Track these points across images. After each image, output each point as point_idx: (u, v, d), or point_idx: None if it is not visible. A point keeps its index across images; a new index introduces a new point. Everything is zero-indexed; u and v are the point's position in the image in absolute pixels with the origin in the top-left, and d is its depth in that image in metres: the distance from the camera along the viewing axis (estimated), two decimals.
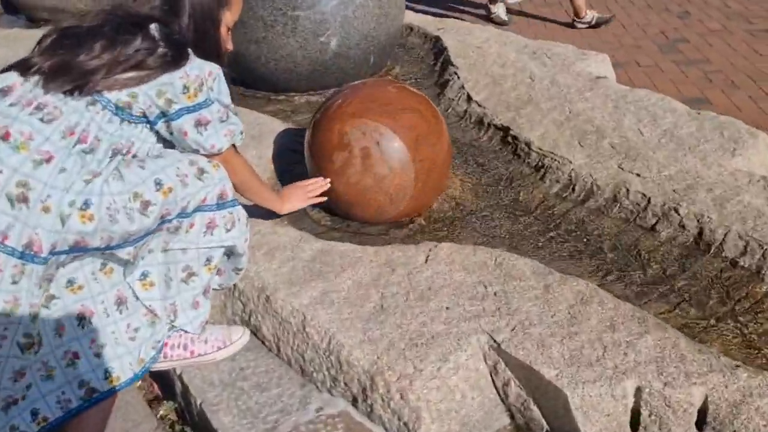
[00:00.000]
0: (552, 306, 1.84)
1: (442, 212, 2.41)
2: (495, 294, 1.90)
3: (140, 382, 2.16)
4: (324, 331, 1.83)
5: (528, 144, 2.65)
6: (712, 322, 1.87)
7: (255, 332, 2.05)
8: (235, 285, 2.07)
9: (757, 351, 1.76)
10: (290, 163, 2.65)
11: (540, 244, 2.23)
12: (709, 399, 1.58)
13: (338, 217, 2.38)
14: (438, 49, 3.67)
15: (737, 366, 1.64)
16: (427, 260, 2.04)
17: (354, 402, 1.78)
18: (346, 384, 1.78)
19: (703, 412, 1.59)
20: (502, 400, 1.76)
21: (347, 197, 2.25)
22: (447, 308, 1.86)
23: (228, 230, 1.84)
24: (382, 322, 1.84)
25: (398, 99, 2.29)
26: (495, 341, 1.74)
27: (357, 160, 2.19)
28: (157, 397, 2.15)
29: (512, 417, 1.76)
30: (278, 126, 2.89)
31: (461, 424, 1.69)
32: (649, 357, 1.66)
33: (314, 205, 2.32)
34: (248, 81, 3.37)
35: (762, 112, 4.14)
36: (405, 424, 1.67)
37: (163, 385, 2.14)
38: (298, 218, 2.38)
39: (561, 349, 1.69)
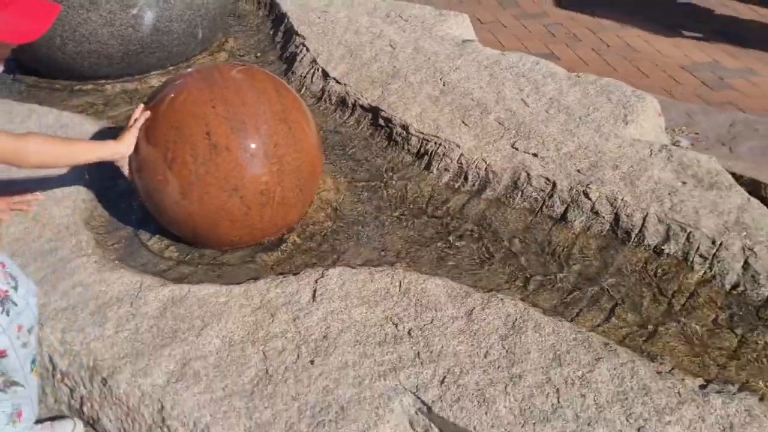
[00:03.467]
0: (481, 341, 1.48)
1: (318, 223, 1.96)
2: (409, 333, 1.50)
3: None
4: (193, 423, 1.33)
5: (405, 127, 2.26)
6: (653, 328, 1.62)
7: (92, 424, 1.50)
8: (53, 365, 1.50)
9: (703, 357, 1.53)
10: (111, 177, 2.04)
11: (442, 252, 1.86)
12: None
13: (186, 244, 1.85)
14: (276, 15, 3.15)
15: (704, 387, 1.38)
16: (314, 296, 1.60)
17: None
18: None
19: None
20: None
21: (193, 216, 1.72)
22: (353, 363, 1.43)
23: None
24: (271, 396, 1.38)
25: (246, 86, 1.78)
26: (423, 402, 1.35)
27: (200, 168, 1.66)
28: None
29: None
30: (90, 126, 2.26)
31: None
32: (610, 395, 1.36)
33: (148, 227, 1.77)
34: (43, 69, 2.66)
35: (607, 65, 4.08)
36: None
37: None
38: (132, 253, 1.82)
39: (507, 402, 1.34)
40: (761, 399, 1.39)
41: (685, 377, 1.41)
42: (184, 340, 1.49)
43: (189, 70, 1.91)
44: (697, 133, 2.52)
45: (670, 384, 1.38)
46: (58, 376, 1.51)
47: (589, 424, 1.30)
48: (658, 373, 1.41)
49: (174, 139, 1.66)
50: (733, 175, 2.26)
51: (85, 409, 1.49)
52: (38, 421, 1.47)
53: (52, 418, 1.51)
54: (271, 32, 3.08)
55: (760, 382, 1.47)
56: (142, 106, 1.74)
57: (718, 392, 1.37)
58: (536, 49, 4.24)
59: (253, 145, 1.68)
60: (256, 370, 1.43)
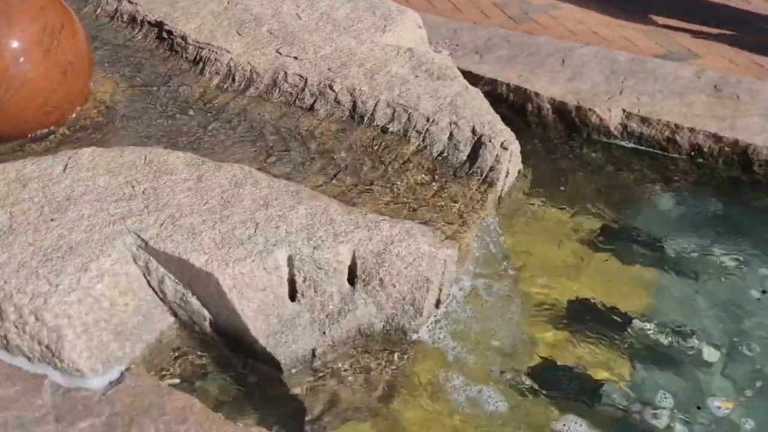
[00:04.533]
0: (205, 195, 1.75)
1: (89, 119, 2.16)
2: (143, 192, 1.75)
3: None
4: None
5: (184, 38, 2.48)
6: (366, 187, 1.94)
7: None
8: None
9: (402, 205, 1.87)
10: None
11: (200, 137, 2.11)
12: (356, 254, 1.63)
13: None
14: None
15: (380, 220, 1.71)
16: (65, 169, 1.81)
17: None
18: None
19: (353, 267, 1.65)
20: (162, 300, 1.65)
21: None
22: (88, 216, 1.67)
23: None
24: (10, 244, 1.60)
25: None
26: (143, 240, 1.60)
27: None
28: None
29: (175, 315, 1.66)
30: None
31: (115, 333, 1.55)
32: (300, 226, 1.66)
33: None
34: None
35: (429, 3, 4.39)
36: (47, 347, 1.48)
37: None
38: None
39: (212, 235, 1.62)
40: (425, 224, 1.73)
41: (369, 214, 1.73)
42: None
43: None
44: (457, 45, 2.87)
45: (352, 217, 1.70)
46: None
47: (274, 245, 1.60)
48: (348, 213, 1.72)
49: None
50: (477, 75, 2.63)
51: None
52: None
53: None
54: None
55: (439, 219, 1.82)
56: None
57: (390, 221, 1.70)
58: None
59: (24, 51, 1.86)
60: (1, 227, 1.64)
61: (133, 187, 1.76)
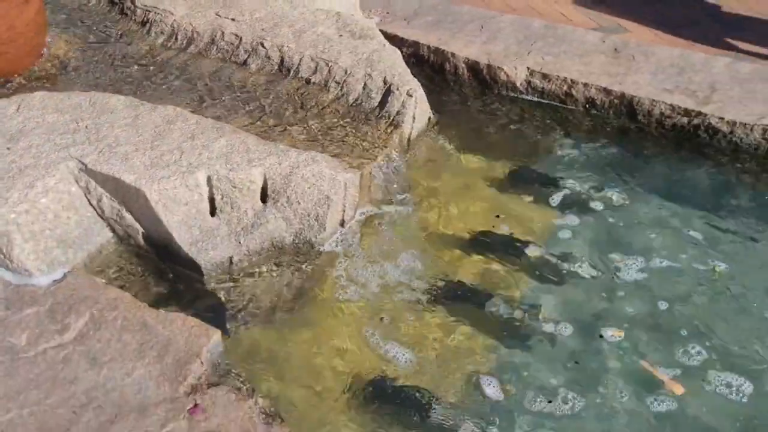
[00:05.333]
0: (140, 129, 2.01)
1: (44, 71, 2.42)
2: (86, 127, 2.01)
3: None
4: None
5: (133, 2, 2.73)
6: (286, 128, 2.22)
7: None
8: None
9: (316, 141, 2.15)
10: None
11: (143, 87, 2.38)
12: (267, 176, 1.91)
13: None
14: None
15: (289, 149, 1.99)
16: (18, 108, 2.07)
17: None
18: None
19: (264, 189, 1.92)
20: (101, 216, 1.92)
21: None
22: (37, 145, 1.93)
23: None
24: None
25: None
26: (83, 163, 1.87)
27: None
28: None
29: (113, 230, 1.94)
30: None
31: (59, 241, 1.82)
32: (220, 153, 1.94)
33: None
34: None
35: None
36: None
37: None
38: None
39: (143, 159, 1.89)
40: (333, 156, 2.01)
41: (281, 145, 2.01)
42: None
43: None
44: (388, 12, 3.14)
45: (266, 147, 1.98)
46: None
47: (196, 167, 1.87)
48: (264, 145, 2.00)
49: None
50: (402, 39, 2.91)
51: None
52: None
53: None
54: None
55: (346, 153, 2.10)
56: None
57: (298, 150, 1.98)
58: None
59: None
60: None
61: (78, 123, 2.03)
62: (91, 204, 1.90)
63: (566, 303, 1.97)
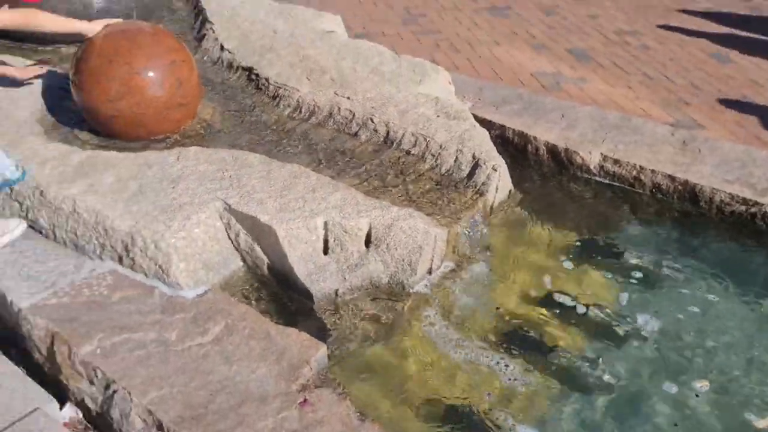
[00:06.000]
0: (272, 181, 2.48)
1: (194, 131, 2.96)
2: (230, 177, 2.50)
3: None
4: (92, 209, 2.31)
5: (267, 79, 3.29)
6: (388, 188, 2.64)
7: (32, 226, 2.46)
8: (11, 189, 2.46)
9: (412, 202, 2.56)
10: (61, 99, 3.03)
11: (272, 148, 2.87)
12: (372, 225, 2.32)
13: (105, 137, 2.84)
14: (198, 9, 4.18)
15: (391, 205, 2.40)
16: (178, 159, 2.59)
17: (120, 261, 2.29)
18: (112, 247, 2.28)
19: (369, 234, 2.33)
20: (236, 248, 2.37)
21: (112, 118, 2.72)
22: (192, 188, 2.43)
23: None
24: (140, 201, 2.36)
25: (154, 38, 2.79)
26: (227, 204, 2.34)
27: (121, 87, 2.65)
28: None
29: (244, 260, 2.38)
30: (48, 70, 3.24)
31: (204, 264, 2.28)
32: (335, 204, 2.37)
33: (82, 128, 2.77)
34: (16, 36, 3.63)
35: (473, 68, 5.16)
36: (160, 266, 2.22)
37: None
38: (67, 140, 2.79)
39: (274, 204, 2.35)
40: (426, 215, 2.41)
41: (384, 202, 2.43)
42: (92, 176, 2.47)
43: (123, 22, 2.89)
44: (479, 99, 3.58)
45: (372, 202, 2.40)
46: (13, 195, 2.46)
47: (316, 214, 2.31)
48: (370, 200, 2.42)
49: (107, 63, 2.65)
50: (491, 122, 3.33)
51: (29, 215, 2.45)
52: None
53: (6, 219, 2.46)
54: (193, 21, 4.11)
55: (437, 213, 2.49)
56: (105, 22, 2.74)
57: (398, 207, 2.39)
58: (421, 55, 5.30)
59: (154, 75, 2.68)
60: (133, 191, 2.41)
61: (223, 173, 2.52)
62: (229, 237, 2.36)
63: (632, 360, 2.24)
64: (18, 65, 3.16)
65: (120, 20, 2.80)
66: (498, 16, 6.30)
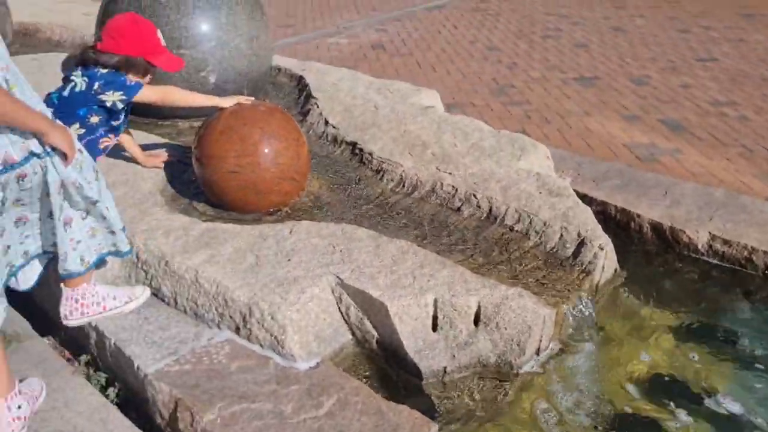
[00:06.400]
0: (381, 256, 2.55)
1: (303, 204, 3.09)
2: (341, 251, 2.59)
3: (53, 349, 2.65)
4: (213, 280, 2.43)
5: (371, 154, 3.41)
6: (493, 266, 2.67)
7: (155, 293, 2.61)
8: (138, 258, 2.62)
9: (518, 279, 2.57)
10: (181, 172, 3.24)
11: (377, 222, 2.96)
12: (481, 304, 2.34)
13: (220, 209, 3.00)
14: (301, 85, 4.41)
15: (499, 284, 2.42)
16: (291, 232, 2.71)
17: (237, 330, 2.39)
18: (230, 317, 2.38)
19: (477, 313, 2.35)
20: (346, 321, 2.43)
21: (229, 192, 2.88)
22: (305, 261, 2.52)
23: None
24: (257, 273, 2.47)
25: (268, 117, 2.97)
26: (339, 278, 2.42)
27: (242, 162, 2.82)
28: (69, 359, 2.63)
29: (353, 333, 2.44)
30: (167, 144, 3.48)
31: (316, 336, 2.35)
32: (444, 282, 2.41)
33: (199, 200, 2.95)
34: (137, 109, 3.92)
35: (565, 140, 5.18)
36: (275, 337, 2.30)
37: (76, 347, 2.64)
38: (186, 211, 2.97)
39: (385, 280, 2.41)
40: (533, 294, 2.41)
41: (492, 280, 2.45)
42: (212, 247, 2.61)
43: (248, 103, 3.09)
44: (578, 174, 3.58)
45: (481, 281, 2.43)
46: (140, 264, 2.63)
47: (426, 291, 2.35)
48: (478, 278, 2.45)
49: (229, 148, 2.83)
50: (591, 198, 3.33)
51: (153, 283, 2.60)
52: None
53: (132, 287, 2.62)
54: (297, 96, 4.33)
55: (544, 292, 2.49)
56: (236, 99, 2.98)
57: (507, 286, 2.40)
58: (511, 127, 5.37)
59: (272, 159, 2.85)
60: (250, 263, 2.53)
61: (334, 247, 2.61)
62: (340, 310, 2.43)
63: None
64: (145, 137, 3.42)
65: (251, 99, 3.00)
66: (587, 86, 6.33)
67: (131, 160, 3.21)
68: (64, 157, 2.06)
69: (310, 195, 3.16)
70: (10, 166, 1.93)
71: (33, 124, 1.91)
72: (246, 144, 2.84)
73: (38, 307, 2.77)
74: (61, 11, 6.14)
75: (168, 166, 3.27)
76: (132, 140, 3.21)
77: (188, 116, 3.91)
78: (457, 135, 3.55)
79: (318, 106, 3.95)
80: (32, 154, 1.97)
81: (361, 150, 3.49)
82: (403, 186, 3.22)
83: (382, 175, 3.31)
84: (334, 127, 3.73)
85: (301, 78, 4.48)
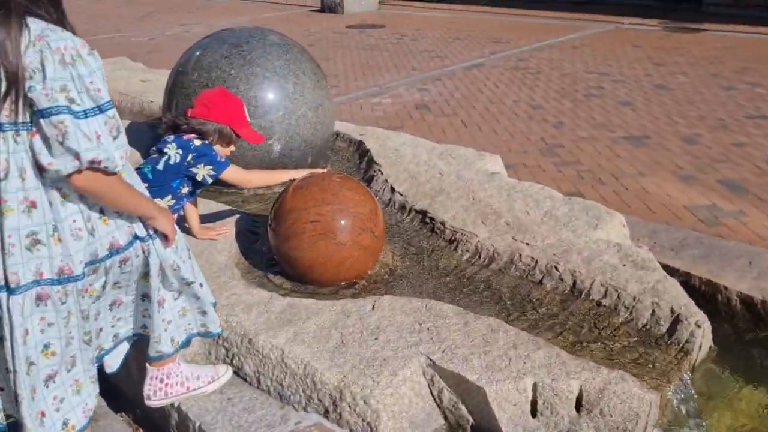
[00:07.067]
0: (470, 335, 2.47)
1: (379, 276, 3.03)
2: (428, 329, 2.51)
3: (128, 426, 2.59)
4: (300, 360, 2.36)
5: (443, 223, 3.36)
6: (585, 344, 2.56)
7: (237, 372, 2.54)
8: (220, 336, 2.57)
9: (614, 360, 2.45)
10: (252, 242, 3.22)
11: (457, 296, 2.88)
12: (583, 388, 2.23)
13: (296, 282, 2.95)
14: (361, 150, 4.40)
15: (600, 367, 2.31)
16: (373, 308, 2.64)
17: (326, 414, 2.30)
18: (319, 400, 2.30)
19: (579, 398, 2.24)
20: (438, 405, 2.33)
21: (307, 266, 2.84)
22: (393, 340, 2.45)
23: None
24: (345, 353, 2.40)
25: (343, 188, 2.94)
26: (431, 360, 2.34)
27: (316, 237, 2.78)
28: None
29: (446, 418, 2.34)
30: (235, 213, 3.47)
31: (409, 422, 2.25)
32: (541, 363, 2.31)
33: (274, 271, 2.91)
34: None
35: (622, 202, 5.08)
36: (368, 423, 2.20)
37: (151, 426, 2.57)
38: (262, 284, 2.93)
39: (479, 361, 2.31)
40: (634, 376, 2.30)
41: (591, 362, 2.34)
42: (295, 324, 2.55)
43: (324, 171, 3.08)
44: (655, 242, 3.48)
45: (579, 362, 2.32)
46: (220, 341, 2.57)
47: (524, 374, 2.25)
48: (575, 359, 2.35)
49: (307, 222, 2.80)
50: (672, 268, 3.22)
51: (234, 361, 2.54)
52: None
53: (214, 365, 2.56)
54: (358, 162, 4.33)
55: (643, 374, 2.37)
56: (308, 171, 3.04)
57: (607, 368, 2.30)
58: (566, 189, 5.29)
59: (349, 233, 2.81)
60: (336, 341, 2.46)
61: (420, 324, 2.53)
62: (432, 393, 2.33)
63: None
64: (210, 206, 3.42)
65: (324, 170, 2.99)
66: (637, 146, 6.25)
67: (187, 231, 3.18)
68: (164, 238, 2.03)
69: (385, 266, 3.10)
70: (115, 251, 1.90)
71: (142, 210, 1.90)
72: (326, 194, 2.85)
73: (109, 383, 2.72)
74: (118, 78, 6.29)
75: (240, 237, 3.24)
76: (195, 210, 3.19)
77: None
78: (528, 203, 3.48)
79: (382, 173, 3.92)
80: (136, 237, 1.95)
81: (432, 219, 3.44)
82: (479, 257, 3.15)
83: (456, 245, 3.24)
84: (401, 194, 3.69)
85: (360, 143, 4.48)
